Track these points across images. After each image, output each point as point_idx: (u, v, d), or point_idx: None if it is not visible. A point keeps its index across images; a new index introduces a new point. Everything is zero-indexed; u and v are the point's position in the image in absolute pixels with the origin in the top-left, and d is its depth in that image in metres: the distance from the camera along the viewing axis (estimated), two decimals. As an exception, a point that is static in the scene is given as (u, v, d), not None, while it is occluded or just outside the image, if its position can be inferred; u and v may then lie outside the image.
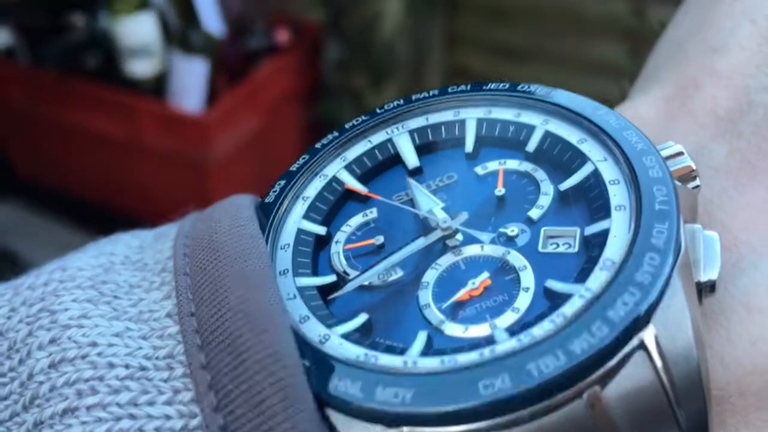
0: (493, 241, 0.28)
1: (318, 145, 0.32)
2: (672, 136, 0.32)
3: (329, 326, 0.26)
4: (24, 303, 0.28)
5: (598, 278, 0.25)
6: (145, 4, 1.75)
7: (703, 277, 0.26)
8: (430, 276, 0.28)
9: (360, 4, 1.79)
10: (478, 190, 0.30)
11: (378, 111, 0.33)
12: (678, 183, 0.28)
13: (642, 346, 0.23)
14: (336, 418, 0.24)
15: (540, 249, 0.28)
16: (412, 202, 0.31)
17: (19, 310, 0.28)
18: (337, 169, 0.32)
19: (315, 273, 0.29)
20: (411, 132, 0.33)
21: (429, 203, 0.30)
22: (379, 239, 0.30)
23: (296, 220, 0.30)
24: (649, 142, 0.28)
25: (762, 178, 0.30)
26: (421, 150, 0.32)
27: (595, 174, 0.29)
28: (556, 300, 0.26)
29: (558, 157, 0.30)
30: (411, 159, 0.32)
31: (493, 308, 0.26)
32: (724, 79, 0.32)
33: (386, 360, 0.25)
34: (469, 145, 0.32)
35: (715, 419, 0.25)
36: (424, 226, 0.30)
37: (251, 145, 1.84)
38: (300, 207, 0.31)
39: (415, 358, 0.25)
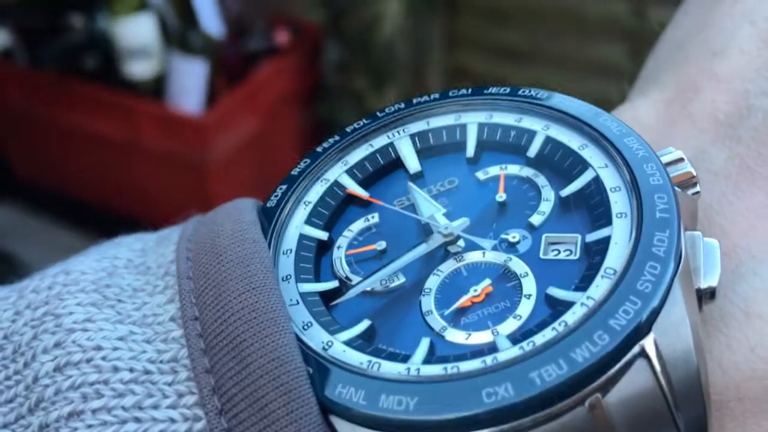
0: (494, 248, 0.28)
1: (319, 149, 0.32)
2: (672, 140, 0.32)
3: (332, 333, 0.26)
4: (28, 306, 0.28)
5: (599, 287, 0.25)
6: (144, 5, 1.74)
7: (703, 284, 0.26)
8: (433, 282, 0.28)
9: (360, 5, 1.78)
10: (480, 196, 0.31)
11: (379, 114, 0.33)
12: (678, 189, 0.28)
13: (643, 353, 0.23)
14: (340, 424, 0.24)
15: (541, 255, 0.28)
16: (413, 207, 0.31)
17: (24, 314, 0.28)
18: (338, 173, 0.32)
19: (317, 278, 0.29)
20: (412, 136, 0.33)
21: (430, 208, 0.30)
22: (381, 245, 0.30)
23: (298, 225, 0.30)
24: (650, 149, 0.28)
25: (761, 183, 0.30)
26: (423, 154, 0.32)
27: (597, 181, 0.29)
28: (557, 307, 0.26)
29: (559, 163, 0.30)
30: (412, 163, 0.32)
31: (495, 315, 0.26)
32: (723, 83, 0.32)
33: (390, 367, 0.25)
34: (471, 150, 0.32)
35: (714, 424, 0.25)
36: (426, 232, 0.30)
37: (251, 146, 1.83)
38: (302, 212, 0.31)
39: (418, 366, 0.25)
